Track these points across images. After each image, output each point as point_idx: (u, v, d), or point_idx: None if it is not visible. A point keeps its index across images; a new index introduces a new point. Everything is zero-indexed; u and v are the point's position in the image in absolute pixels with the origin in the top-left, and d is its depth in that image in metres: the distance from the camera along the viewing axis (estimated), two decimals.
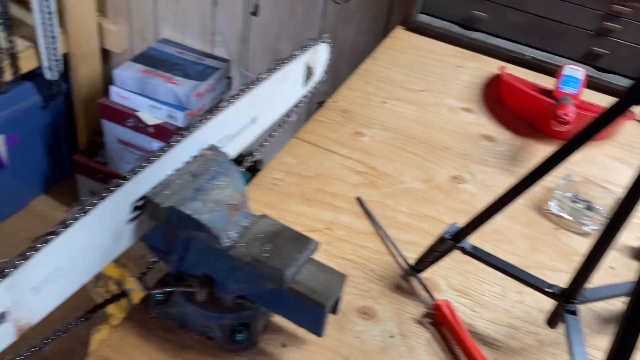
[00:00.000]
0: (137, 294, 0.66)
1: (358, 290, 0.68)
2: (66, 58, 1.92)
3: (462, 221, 0.66)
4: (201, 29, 1.88)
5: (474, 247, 0.65)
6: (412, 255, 0.73)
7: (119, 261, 0.65)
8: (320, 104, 1.03)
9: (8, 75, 1.74)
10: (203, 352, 0.59)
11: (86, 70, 1.99)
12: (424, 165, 0.90)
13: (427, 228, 0.78)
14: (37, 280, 0.44)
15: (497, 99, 1.09)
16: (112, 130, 1.85)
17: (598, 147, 1.00)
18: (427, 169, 0.89)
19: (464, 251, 0.65)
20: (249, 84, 0.65)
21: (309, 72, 0.79)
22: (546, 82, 1.10)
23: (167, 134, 1.77)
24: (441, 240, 0.65)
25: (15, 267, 0.42)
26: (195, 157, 0.60)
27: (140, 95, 1.76)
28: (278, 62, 0.70)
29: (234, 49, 1.87)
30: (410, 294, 0.69)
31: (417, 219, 0.80)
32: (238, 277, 0.57)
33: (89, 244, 0.49)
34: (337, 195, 0.81)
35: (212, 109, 0.62)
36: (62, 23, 1.83)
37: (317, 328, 0.56)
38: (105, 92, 2.07)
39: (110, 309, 0.72)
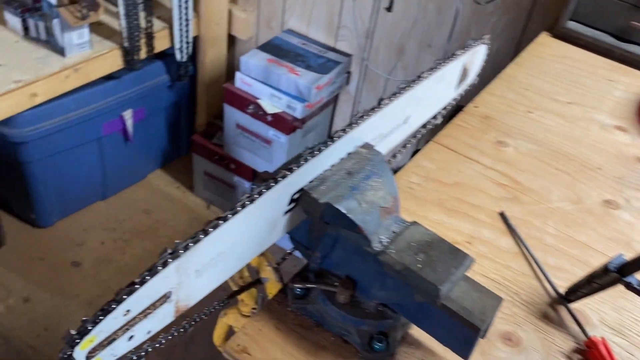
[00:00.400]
0: (272, 284, 0.65)
1: (501, 314, 0.63)
2: (195, 41, 1.99)
3: (615, 251, 0.60)
4: (327, 22, 1.88)
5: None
6: (560, 282, 0.67)
7: None
8: (460, 108, 0.98)
9: (143, 54, 1.82)
10: (338, 355, 0.57)
11: (213, 55, 2.05)
12: (573, 185, 0.83)
13: (577, 254, 0.72)
14: (201, 263, 0.44)
15: None
16: (232, 115, 1.89)
17: None
18: (576, 190, 0.82)
19: (630, 287, 0.58)
20: (409, 83, 0.62)
21: (464, 74, 0.74)
22: None
23: (284, 124, 1.79)
24: (604, 271, 0.59)
25: (186, 248, 0.41)
26: (350, 154, 0.58)
27: (263, 83, 1.79)
28: (439, 61, 0.66)
29: (358, 44, 1.85)
30: (559, 324, 0.63)
31: (566, 243, 0.73)
32: (384, 283, 0.54)
33: (250, 232, 0.48)
34: (479, 208, 0.76)
35: (374, 107, 0.59)
36: (196, 7, 1.89)
37: (465, 351, 0.53)
38: (228, 77, 2.13)
39: (241, 294, 0.72)
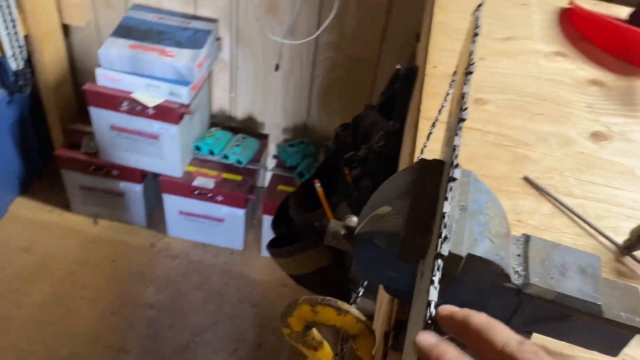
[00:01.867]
0: (365, 341, 0.58)
1: None
2: (27, 42, 1.67)
3: (628, 183, 0.63)
4: None
5: None
6: (610, 234, 0.69)
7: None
8: (414, 72, 0.94)
9: None
10: None
11: (51, 52, 1.74)
12: (559, 128, 0.84)
13: (605, 198, 0.74)
14: None
15: (579, 37, 1.04)
16: (102, 117, 1.65)
17: None
18: (564, 131, 0.84)
19: None
20: None
21: None
22: (618, 12, 1.05)
23: (170, 114, 1.60)
24: None
25: None
26: (449, 184, 0.51)
27: (134, 74, 1.57)
28: None
29: (222, 6, 1.69)
30: (631, 277, 0.65)
31: (590, 189, 0.75)
32: (527, 313, 0.50)
33: None
34: (502, 179, 0.74)
35: None
36: (18, 3, 1.57)
37: (616, 350, 0.51)
38: (74, 75, 1.85)
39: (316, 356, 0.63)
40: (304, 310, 0.58)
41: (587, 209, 0.72)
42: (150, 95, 1.58)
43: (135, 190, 1.85)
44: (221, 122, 1.95)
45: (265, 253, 1.90)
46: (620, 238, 0.68)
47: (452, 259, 0.46)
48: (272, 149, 1.98)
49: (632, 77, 0.96)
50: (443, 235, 0.42)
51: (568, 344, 0.55)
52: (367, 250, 0.52)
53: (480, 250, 0.46)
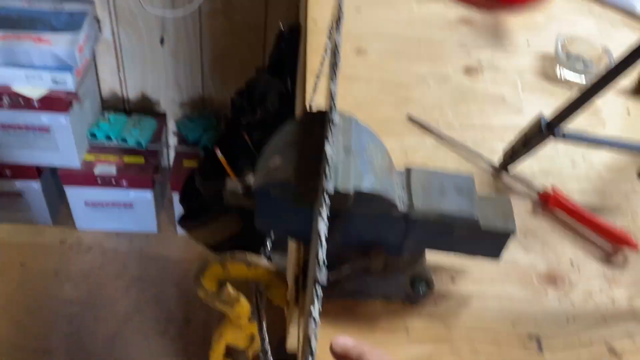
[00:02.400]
0: (277, 289, 0.61)
1: None
2: None
3: (500, 109, 0.71)
4: None
5: (566, 132, 0.69)
6: (489, 157, 0.76)
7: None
8: (297, 31, 0.96)
9: None
10: (394, 315, 0.58)
11: None
12: (435, 67, 0.90)
13: (480, 126, 0.81)
14: None
15: None
16: None
17: (548, 6, 1.07)
18: (440, 69, 0.90)
19: (559, 138, 0.69)
20: None
21: None
22: None
23: (57, 103, 1.53)
24: (539, 130, 0.68)
25: None
26: (330, 130, 0.54)
27: (10, 66, 1.48)
28: None
29: None
30: (509, 191, 0.73)
31: (467, 120, 0.82)
32: (417, 235, 0.55)
33: None
34: (386, 121, 0.79)
35: None
36: None
37: (497, 252, 0.58)
38: None
39: (234, 309, 0.66)
40: (215, 269, 0.60)
41: (465, 138, 0.79)
42: (32, 87, 1.49)
43: (33, 188, 1.76)
44: (114, 105, 1.89)
45: (181, 232, 1.89)
46: (497, 158, 0.76)
47: (340, 196, 0.49)
48: (171, 126, 1.94)
49: (498, 12, 1.04)
50: (326, 174, 0.45)
51: (458, 257, 0.62)
52: (265, 202, 0.55)
53: (366, 185, 0.51)
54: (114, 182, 1.73)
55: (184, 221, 1.11)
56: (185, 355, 1.63)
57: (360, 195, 0.50)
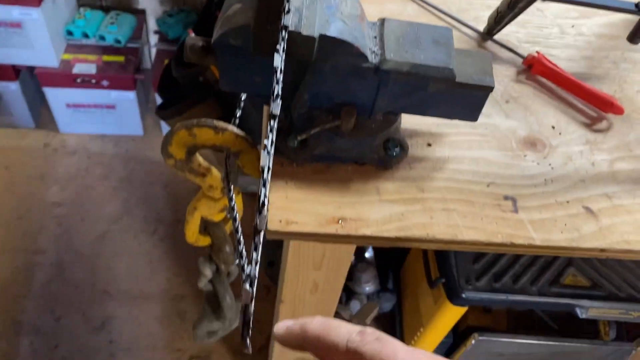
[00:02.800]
0: (247, 155, 0.59)
1: None
2: None
3: None
4: None
5: None
6: (474, 24, 0.71)
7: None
8: None
9: None
10: (366, 178, 0.56)
11: None
12: None
13: None
14: None
15: None
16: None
17: None
18: None
19: None
20: None
21: None
22: None
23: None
24: None
25: None
26: None
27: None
28: None
29: None
30: (494, 59, 0.69)
31: None
32: (389, 91, 0.52)
33: None
34: None
35: None
36: None
37: (475, 114, 0.55)
38: None
39: (206, 179, 0.64)
40: (182, 136, 0.58)
41: (449, 4, 0.74)
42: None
43: (11, 89, 1.71)
44: (90, 1, 1.80)
45: None
46: (482, 26, 0.71)
47: (303, 41, 0.46)
48: (152, 24, 1.86)
49: None
50: (287, 8, 0.42)
51: (435, 122, 0.59)
52: (227, 56, 0.51)
53: (333, 31, 0.47)
54: (93, 82, 1.68)
55: (160, 110, 1.07)
56: (174, 254, 1.65)
57: (325, 42, 0.47)
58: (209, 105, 1.00)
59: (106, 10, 1.77)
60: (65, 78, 1.66)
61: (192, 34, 1.02)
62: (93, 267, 1.58)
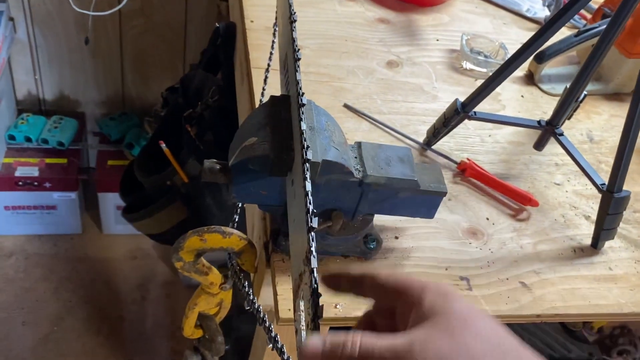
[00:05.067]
0: (247, 254, 0.70)
1: None
2: None
3: (420, 97, 0.85)
4: None
5: (476, 112, 0.83)
6: (415, 137, 0.89)
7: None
8: (232, 30, 1.04)
9: None
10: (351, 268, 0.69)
11: None
12: (363, 61, 1.02)
13: (406, 110, 0.94)
14: None
15: None
16: None
17: (450, 6, 1.23)
18: (366, 64, 1.02)
19: (472, 117, 0.83)
20: None
21: None
22: None
23: None
24: (456, 112, 0.81)
25: None
26: (300, 109, 0.64)
27: None
28: None
29: None
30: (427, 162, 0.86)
31: (394, 106, 0.94)
32: (369, 199, 0.66)
33: None
34: (325, 109, 0.90)
35: None
36: None
37: (431, 213, 0.70)
38: None
39: (207, 277, 0.73)
40: (193, 241, 0.68)
41: (393, 122, 0.91)
42: None
43: None
44: (30, 107, 1.86)
45: (108, 231, 1.90)
46: (421, 138, 0.89)
47: (313, 166, 0.59)
48: (92, 126, 1.94)
49: (409, 13, 1.18)
50: (305, 145, 0.55)
51: (398, 219, 0.74)
52: (242, 176, 0.63)
53: (331, 156, 0.61)
54: (36, 185, 1.71)
55: (127, 213, 1.14)
56: (121, 352, 1.65)
57: (325, 164, 0.60)
58: (176, 208, 1.10)
59: (46, 114, 1.83)
60: (6, 182, 1.68)
61: (163, 145, 1.14)
62: None
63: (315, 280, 0.45)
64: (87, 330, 1.67)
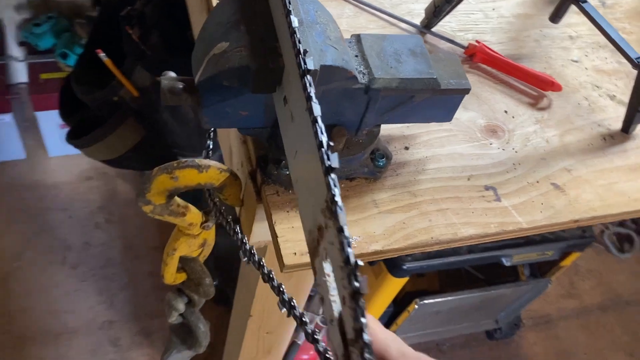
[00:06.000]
0: (231, 187, 0.57)
1: None
2: None
3: None
4: None
5: None
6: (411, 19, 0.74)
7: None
8: None
9: None
10: (359, 192, 0.57)
11: None
12: None
13: None
14: None
15: None
16: None
17: None
18: None
19: None
20: None
21: None
22: None
23: None
24: None
25: None
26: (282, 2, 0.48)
27: None
28: None
29: None
30: (436, 51, 0.72)
31: None
32: (377, 108, 0.53)
33: None
34: None
35: None
36: None
37: (450, 115, 0.57)
38: None
39: (185, 218, 0.61)
40: (162, 181, 0.54)
41: (381, 1, 0.75)
42: None
43: None
44: None
45: (54, 153, 1.71)
46: (417, 19, 0.74)
47: (311, 75, 0.45)
48: (15, 35, 1.68)
49: None
50: (302, 49, 0.40)
51: (406, 124, 0.61)
52: (214, 95, 0.48)
53: (329, 59, 0.46)
54: None
55: (73, 138, 0.98)
56: (92, 280, 1.55)
57: (325, 71, 0.46)
58: (129, 126, 0.93)
59: None
60: None
61: (102, 54, 0.94)
62: (3, 313, 1.44)
63: (349, 243, 0.32)
64: (50, 262, 1.55)
